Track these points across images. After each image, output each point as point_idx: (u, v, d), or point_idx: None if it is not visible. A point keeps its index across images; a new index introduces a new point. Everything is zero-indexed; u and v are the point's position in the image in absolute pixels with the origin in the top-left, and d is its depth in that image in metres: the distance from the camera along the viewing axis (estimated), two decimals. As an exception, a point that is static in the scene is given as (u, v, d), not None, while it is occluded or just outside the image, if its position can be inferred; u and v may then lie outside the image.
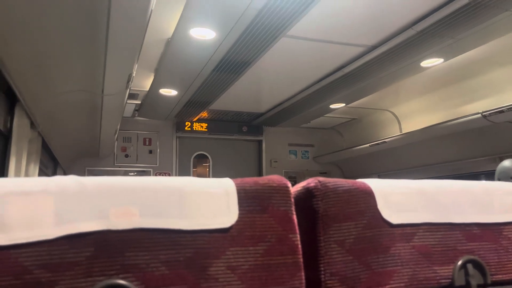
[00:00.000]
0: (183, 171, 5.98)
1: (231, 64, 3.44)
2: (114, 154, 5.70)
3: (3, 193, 0.53)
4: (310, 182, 0.69)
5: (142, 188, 0.58)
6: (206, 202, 0.61)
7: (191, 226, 0.58)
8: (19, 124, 2.09)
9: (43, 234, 0.52)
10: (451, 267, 0.70)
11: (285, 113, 5.25)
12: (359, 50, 3.32)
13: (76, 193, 0.56)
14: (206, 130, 6.01)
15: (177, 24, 2.75)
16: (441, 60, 3.37)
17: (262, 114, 5.58)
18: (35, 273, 0.51)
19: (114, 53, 1.85)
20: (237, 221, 0.61)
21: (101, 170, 5.64)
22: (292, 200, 0.66)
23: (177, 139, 6.02)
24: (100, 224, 0.55)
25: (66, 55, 1.87)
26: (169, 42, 3.12)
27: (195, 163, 6.16)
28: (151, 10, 1.55)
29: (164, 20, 2.84)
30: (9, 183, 0.54)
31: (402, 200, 0.71)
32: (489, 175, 4.07)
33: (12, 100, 2.14)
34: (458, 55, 3.31)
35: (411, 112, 4.97)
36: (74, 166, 5.43)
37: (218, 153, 6.21)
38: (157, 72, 3.80)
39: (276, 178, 0.66)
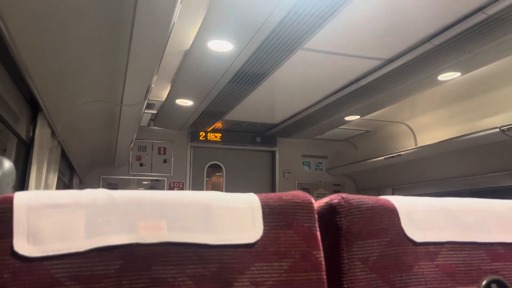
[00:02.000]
0: (196, 181, 6.00)
1: (247, 76, 3.47)
2: (129, 162, 5.76)
3: (37, 206, 0.55)
4: (334, 198, 0.69)
5: (170, 202, 0.60)
6: (231, 217, 0.61)
7: (217, 241, 0.59)
8: (41, 133, 2.13)
9: (75, 246, 0.54)
10: (475, 287, 0.69)
11: (299, 124, 5.25)
12: (376, 63, 3.31)
13: (106, 206, 0.57)
14: (220, 140, 6.03)
15: (196, 36, 2.79)
16: (459, 74, 3.34)
17: (276, 125, 5.59)
18: (66, 285, 0.52)
19: (135, 65, 1.89)
20: (262, 237, 0.61)
21: (115, 178, 5.70)
22: (316, 216, 0.66)
23: (191, 148, 6.05)
24: (129, 237, 0.56)
25: (88, 66, 1.91)
26: (187, 54, 3.16)
27: (208, 173, 6.18)
28: (173, 23, 1.58)
29: (183, 32, 2.88)
30: (43, 195, 0.56)
31: (425, 218, 0.71)
32: (507, 190, 4.00)
33: (34, 110, 2.19)
34: (475, 69, 3.28)
35: (426, 125, 4.93)
36: (89, 174, 5.49)
37: (231, 163, 6.23)
38: (174, 82, 3.85)
39: (300, 194, 0.67)
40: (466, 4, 2.40)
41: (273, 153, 6.42)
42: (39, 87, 1.74)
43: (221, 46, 2.84)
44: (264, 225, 0.62)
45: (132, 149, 5.31)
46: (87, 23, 1.56)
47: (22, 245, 0.52)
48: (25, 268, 0.52)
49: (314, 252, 0.63)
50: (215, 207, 0.61)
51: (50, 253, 0.53)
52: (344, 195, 0.70)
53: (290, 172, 6.42)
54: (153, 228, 0.58)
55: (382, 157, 5.14)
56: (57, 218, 0.54)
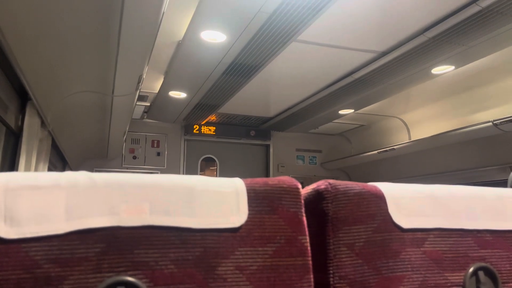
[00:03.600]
0: (190, 174, 5.99)
1: (241, 68, 3.45)
2: (122, 155, 5.73)
3: (15, 187, 0.53)
4: (321, 184, 0.69)
5: (153, 185, 0.58)
6: (216, 201, 0.60)
7: (201, 225, 0.58)
8: (30, 123, 2.11)
9: (54, 228, 0.53)
10: (462, 274, 0.69)
11: (293, 118, 5.24)
12: (370, 56, 3.31)
13: (87, 189, 0.56)
14: (214, 133, 6.02)
15: (188, 27, 2.77)
16: (452, 67, 3.34)
17: (270, 119, 5.58)
18: (44, 268, 0.51)
19: (126, 54, 1.87)
20: (247, 221, 0.61)
21: (109, 171, 5.66)
22: (302, 201, 0.65)
23: (185, 141, 6.03)
24: (111, 220, 0.55)
25: (78, 55, 1.89)
26: (179, 45, 3.13)
27: (202, 166, 6.17)
28: (163, 12, 1.56)
29: (175, 22, 2.86)
30: (20, 177, 0.55)
31: (413, 204, 0.71)
32: (499, 185, 4.02)
33: (23, 99, 2.17)
34: (469, 63, 3.28)
35: (420, 119, 4.94)
36: (82, 167, 5.47)
37: (225, 156, 6.22)
38: (167, 74, 3.82)
39: (286, 179, 0.66)
40: (460, -4, 2.40)
41: (267, 147, 6.42)
42: (28, 76, 1.72)
43: (214, 37, 2.82)
44: (249, 210, 0.61)
45: (125, 141, 5.29)
46: (76, 11, 1.54)
47: (0, 227, 0.51)
48: (2, 250, 0.50)
49: (300, 237, 0.63)
50: (199, 191, 0.60)
51: (28, 235, 0.52)
52: (331, 181, 0.69)
53: (284, 166, 6.42)
54: (135, 211, 0.56)
55: (376, 151, 5.15)
56: (36, 200, 0.53)
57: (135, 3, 1.40)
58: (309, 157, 6.64)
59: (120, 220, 0.55)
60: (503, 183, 4.01)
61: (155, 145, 5.92)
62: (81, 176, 0.57)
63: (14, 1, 1.32)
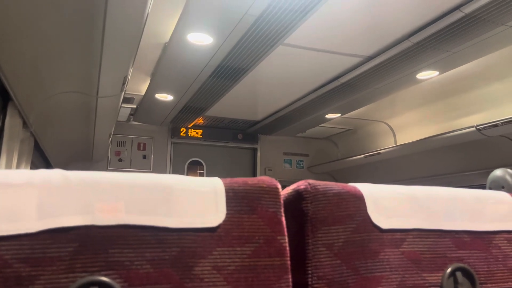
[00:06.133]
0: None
1: (228, 70, 3.44)
2: (108, 158, 5.67)
3: None
4: (300, 184, 0.69)
5: (129, 184, 0.58)
6: (194, 200, 0.60)
7: (178, 224, 0.58)
8: (11, 123, 2.07)
9: (25, 227, 0.51)
10: (440, 274, 0.69)
11: (280, 121, 5.25)
12: (356, 60, 3.33)
13: (61, 187, 0.55)
14: (201, 136, 6.00)
15: (175, 29, 2.76)
16: (437, 72, 3.39)
17: (257, 122, 5.58)
18: (15, 267, 0.50)
19: (110, 54, 1.85)
20: (225, 221, 0.60)
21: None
22: (282, 201, 0.65)
23: (172, 144, 6.00)
24: (85, 219, 0.54)
25: (61, 55, 1.87)
26: (166, 47, 3.12)
27: (189, 169, 6.14)
28: (148, 12, 1.55)
29: (161, 24, 2.84)
30: None
31: (392, 205, 0.71)
32: (481, 189, 4.07)
33: (4, 99, 2.13)
34: (453, 68, 3.33)
35: (406, 124, 4.99)
36: (66, 169, 5.39)
37: (212, 160, 6.20)
38: (153, 76, 3.80)
39: (266, 179, 0.66)
40: (444, 2, 2.43)
41: (254, 151, 6.41)
42: (9, 75, 1.69)
43: (201, 39, 2.81)
44: (228, 209, 0.61)
45: (111, 144, 5.24)
46: (60, 10, 1.52)
47: (-32, 225, 0.50)
48: (-30, 249, 0.49)
49: (279, 238, 0.62)
50: (177, 190, 0.59)
51: None
52: (311, 181, 0.69)
53: (271, 170, 6.42)
54: (110, 210, 0.55)
55: (362, 155, 5.19)
56: (7, 198, 0.52)
57: (119, 2, 1.39)
58: (296, 160, 6.65)
59: (94, 219, 0.54)
60: (483, 188, 4.06)
61: (141, 148, 5.88)
62: (55, 174, 0.56)
63: (-4, -1, 1.29)
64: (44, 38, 1.66)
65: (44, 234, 0.52)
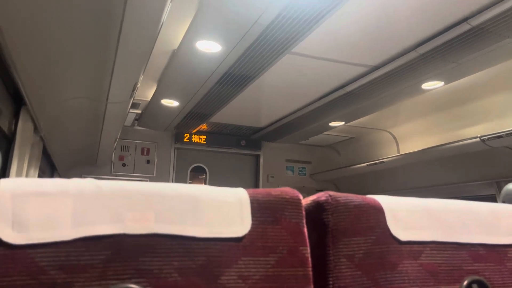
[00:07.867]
0: (179, 183, 5.95)
1: (235, 78, 3.47)
2: (112, 162, 5.69)
3: (22, 193, 0.54)
4: (321, 196, 0.70)
5: (158, 194, 0.59)
6: (220, 210, 0.61)
7: (205, 234, 0.59)
8: (24, 128, 2.09)
9: (61, 235, 0.53)
10: (457, 286, 0.70)
11: (284, 129, 5.27)
12: (361, 70, 3.35)
13: (94, 196, 0.56)
14: (204, 142, 6.01)
15: (184, 36, 2.78)
16: (442, 83, 3.41)
17: (261, 129, 5.60)
18: (50, 274, 0.51)
19: (123, 61, 1.87)
20: (250, 231, 0.61)
21: (97, 177, 5.61)
22: (304, 213, 0.67)
23: (175, 150, 6.01)
24: (116, 227, 0.56)
25: (75, 61, 1.89)
26: (174, 53, 3.14)
27: (192, 175, 6.15)
28: (163, 21, 1.57)
29: (171, 31, 2.87)
30: (27, 183, 0.55)
31: (410, 217, 0.72)
32: (485, 199, 4.07)
33: (18, 104, 2.15)
34: (459, 79, 3.35)
35: (409, 133, 5.00)
36: (70, 173, 5.41)
37: (215, 166, 6.20)
38: (160, 82, 3.83)
39: (288, 190, 0.67)
40: (451, 14, 2.46)
41: (257, 157, 6.42)
42: (24, 80, 1.71)
43: (209, 47, 2.84)
44: (253, 220, 0.62)
45: (115, 148, 5.25)
46: (76, 18, 1.54)
47: (7, 233, 0.51)
48: (9, 256, 0.51)
49: (301, 248, 0.64)
50: (204, 200, 0.61)
51: (35, 241, 0.52)
52: (331, 193, 0.70)
53: (273, 177, 6.43)
54: (140, 219, 0.57)
55: (365, 164, 5.19)
56: (43, 206, 0.53)
57: (136, 10, 1.41)
58: (298, 168, 6.66)
59: (126, 228, 0.56)
60: (488, 198, 4.06)
61: (145, 153, 5.89)
62: (88, 183, 0.58)
63: (13, 5, 1.32)
64: (60, 45, 1.68)
65: (79, 242, 0.54)
